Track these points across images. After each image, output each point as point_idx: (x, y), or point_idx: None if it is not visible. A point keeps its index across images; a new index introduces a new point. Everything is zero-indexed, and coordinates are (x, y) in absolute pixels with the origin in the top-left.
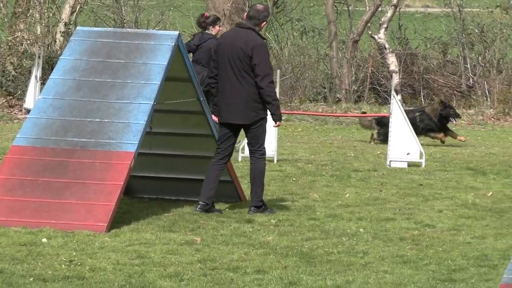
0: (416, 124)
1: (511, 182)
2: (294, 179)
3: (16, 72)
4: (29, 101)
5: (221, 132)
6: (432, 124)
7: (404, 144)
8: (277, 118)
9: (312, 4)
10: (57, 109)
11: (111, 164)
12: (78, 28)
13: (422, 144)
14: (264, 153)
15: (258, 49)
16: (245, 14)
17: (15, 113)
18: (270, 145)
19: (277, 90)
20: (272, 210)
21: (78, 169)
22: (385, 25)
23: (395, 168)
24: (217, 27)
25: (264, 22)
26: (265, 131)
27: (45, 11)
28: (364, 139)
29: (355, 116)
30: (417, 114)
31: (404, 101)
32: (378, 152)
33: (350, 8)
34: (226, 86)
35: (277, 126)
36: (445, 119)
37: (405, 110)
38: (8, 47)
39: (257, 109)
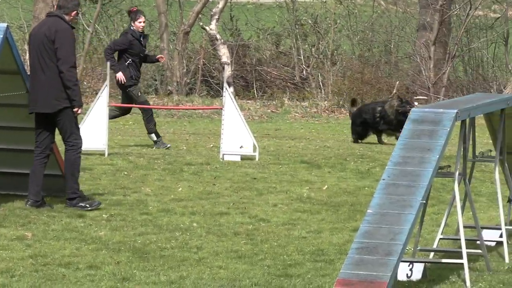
0: (376, 120)
1: (346, 175)
2: (125, 173)
3: None
4: None
5: (36, 125)
6: (389, 121)
7: (237, 137)
8: (77, 103)
9: None
10: None
11: None
12: None
13: (255, 137)
14: (76, 145)
15: (61, 33)
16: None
17: None
18: (101, 139)
19: (107, 83)
20: (93, 203)
21: None
22: (216, 16)
23: (228, 161)
24: (136, 23)
25: (75, 12)
26: (73, 121)
27: None
28: (196, 132)
29: (186, 109)
30: (379, 109)
31: (236, 94)
32: (211, 145)
33: None
34: (33, 75)
35: (78, 113)
36: (404, 116)
37: (368, 104)
38: None
39: (60, 98)
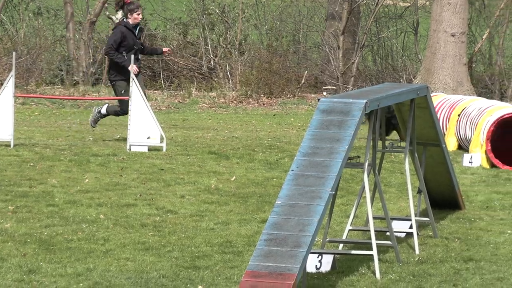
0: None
1: (255, 166)
2: (31, 164)
3: None
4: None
5: None
6: None
7: (144, 128)
8: None
9: None
10: None
11: None
12: None
13: (162, 128)
14: None
15: None
16: None
17: None
18: (7, 129)
19: (13, 73)
20: None
21: None
22: None
23: (136, 152)
24: (135, 15)
25: None
26: None
27: None
28: (102, 122)
29: (93, 100)
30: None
31: (144, 84)
32: (118, 136)
33: None
34: None
35: None
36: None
37: None
38: None
39: None
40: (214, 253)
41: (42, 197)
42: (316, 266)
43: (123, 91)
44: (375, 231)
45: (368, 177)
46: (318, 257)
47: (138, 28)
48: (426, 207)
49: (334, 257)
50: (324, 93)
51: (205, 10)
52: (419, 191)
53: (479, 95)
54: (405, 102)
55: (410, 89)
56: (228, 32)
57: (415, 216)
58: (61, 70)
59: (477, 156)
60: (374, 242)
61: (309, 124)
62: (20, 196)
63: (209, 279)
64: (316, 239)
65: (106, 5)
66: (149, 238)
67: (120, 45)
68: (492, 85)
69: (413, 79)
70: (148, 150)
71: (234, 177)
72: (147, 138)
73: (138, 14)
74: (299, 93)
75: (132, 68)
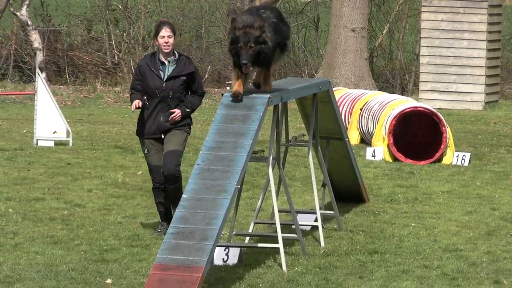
0: None
1: None
2: None
3: None
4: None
5: None
6: None
7: (50, 123)
8: None
9: None
10: None
11: None
12: None
13: (68, 122)
14: None
15: None
16: None
17: None
18: None
19: None
20: None
21: None
22: (27, 2)
23: (42, 147)
24: (158, 39)
25: None
26: None
27: None
28: (9, 117)
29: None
30: None
31: (49, 79)
32: (25, 130)
33: None
34: None
35: None
36: None
37: None
38: None
39: None
40: (122, 246)
41: None
42: (223, 259)
43: (145, 151)
44: (280, 224)
45: (273, 170)
46: (225, 250)
47: (170, 63)
48: (330, 200)
49: (241, 250)
50: (228, 88)
51: (109, 6)
52: (324, 185)
53: (381, 89)
54: (308, 96)
55: (312, 83)
56: (132, 28)
57: (320, 209)
58: None
59: (380, 150)
60: (280, 235)
61: (213, 118)
62: None
63: (117, 272)
64: (222, 233)
65: (10, 1)
66: (58, 231)
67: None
68: (393, 79)
69: (315, 74)
70: (55, 144)
71: (141, 171)
72: (54, 132)
73: (162, 37)
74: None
75: (132, 107)
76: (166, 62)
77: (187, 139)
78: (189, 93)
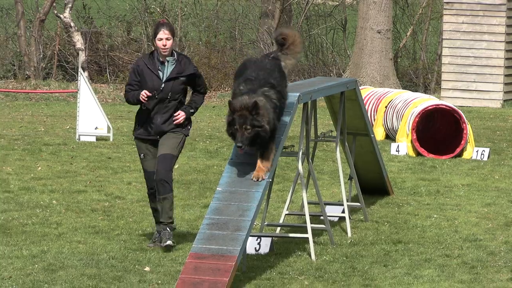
0: None
1: (196, 155)
2: None
3: None
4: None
5: None
6: None
7: (92, 119)
8: None
9: None
10: None
11: None
12: None
13: (109, 119)
14: None
15: None
16: None
17: None
18: None
19: None
20: None
21: None
22: (70, 5)
23: (84, 142)
24: (156, 41)
25: None
26: None
27: None
28: (53, 114)
29: (44, 92)
30: None
31: (91, 78)
32: (68, 126)
33: None
34: None
35: None
36: None
37: None
38: None
39: None
40: None
41: None
42: (255, 248)
43: (141, 155)
44: (310, 215)
45: (302, 165)
46: (257, 240)
47: (170, 63)
48: (357, 192)
49: (272, 240)
50: None
51: (147, 8)
52: (350, 178)
53: (404, 88)
54: (336, 95)
55: (340, 82)
56: None
57: (347, 201)
58: (14, 65)
59: (404, 145)
60: (309, 225)
61: None
62: None
63: (155, 260)
64: (255, 223)
65: (54, 4)
66: (99, 222)
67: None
68: (416, 78)
69: (343, 73)
70: (96, 139)
71: (177, 165)
72: (95, 128)
73: (160, 40)
74: None
75: (142, 97)
76: (166, 62)
77: (184, 141)
78: (192, 92)
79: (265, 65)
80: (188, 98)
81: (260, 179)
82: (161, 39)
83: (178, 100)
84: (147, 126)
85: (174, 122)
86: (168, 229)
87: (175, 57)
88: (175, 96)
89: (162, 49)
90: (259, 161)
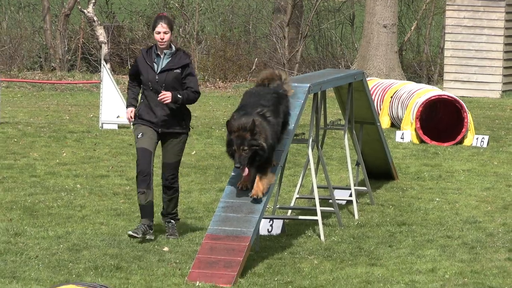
0: None
1: (212, 142)
2: (15, 140)
3: None
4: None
5: None
6: None
7: (114, 108)
8: None
9: None
10: None
11: None
12: None
13: None
14: None
15: None
16: None
17: None
18: None
19: None
20: None
21: None
22: (93, 1)
23: (107, 129)
24: (154, 34)
25: None
26: None
27: None
28: (77, 103)
29: (68, 83)
30: None
31: (113, 69)
32: (91, 115)
33: None
34: None
35: None
36: None
37: None
38: None
39: None
40: None
41: (25, 169)
42: (268, 229)
43: (140, 135)
44: (319, 199)
45: (312, 151)
46: (269, 222)
47: (166, 56)
48: (363, 177)
49: (283, 222)
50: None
51: (166, 4)
52: (357, 164)
53: (409, 79)
54: (344, 85)
55: (348, 74)
56: (187, 24)
57: (354, 185)
58: (40, 57)
59: (408, 133)
60: (318, 208)
61: None
62: (6, 168)
63: (174, 241)
64: (267, 206)
65: (78, 0)
66: (121, 205)
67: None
68: (420, 70)
69: (351, 65)
70: (118, 127)
71: (194, 151)
72: (117, 117)
73: (158, 33)
74: (250, 78)
75: (127, 114)
76: (162, 55)
77: (186, 142)
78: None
79: (259, 92)
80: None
81: (257, 197)
82: (159, 33)
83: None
84: (150, 118)
85: (158, 98)
86: (172, 221)
87: (173, 50)
88: (169, 89)
89: (159, 42)
90: (257, 179)
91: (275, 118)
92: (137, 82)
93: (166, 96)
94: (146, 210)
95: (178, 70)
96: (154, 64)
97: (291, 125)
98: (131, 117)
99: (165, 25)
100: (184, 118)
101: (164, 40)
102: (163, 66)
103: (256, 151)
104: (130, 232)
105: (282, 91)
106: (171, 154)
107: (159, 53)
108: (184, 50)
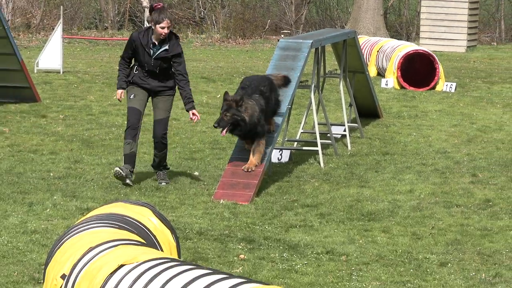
0: None
1: (234, 87)
2: (75, 85)
3: None
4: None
5: None
6: None
7: None
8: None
9: None
10: None
11: None
12: None
13: None
14: None
15: None
16: None
17: None
18: (57, 61)
19: (61, 21)
20: None
21: None
22: None
23: None
24: (157, 27)
25: None
26: None
27: None
28: None
29: (118, 40)
30: None
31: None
32: None
33: None
34: None
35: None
36: None
37: None
38: None
39: None
40: (205, 148)
41: (83, 109)
42: (278, 158)
43: (132, 96)
44: (319, 133)
45: (314, 95)
46: (279, 152)
47: (162, 46)
48: (355, 116)
49: (291, 152)
50: (282, 36)
51: None
52: (350, 105)
53: (392, 37)
54: (340, 42)
55: (343, 33)
56: None
57: (348, 122)
58: (95, 19)
59: (391, 80)
60: (319, 141)
61: (271, 57)
62: (68, 108)
63: (202, 167)
64: (277, 139)
65: None
66: None
67: (133, 56)
68: (401, 30)
69: (345, 26)
70: None
71: (219, 95)
72: None
73: (162, 28)
74: (264, 36)
75: (117, 95)
76: (157, 44)
77: (173, 101)
78: (176, 72)
79: (257, 79)
80: (182, 99)
81: (250, 170)
82: (163, 28)
83: (167, 71)
84: (143, 85)
85: (194, 121)
86: (163, 170)
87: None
88: (163, 70)
89: (161, 35)
90: (250, 155)
91: (267, 103)
92: (130, 61)
93: (197, 118)
94: (130, 159)
95: (170, 57)
96: (151, 50)
97: (298, 73)
98: (120, 97)
99: (168, 21)
100: (171, 84)
101: (165, 33)
102: (158, 53)
103: (238, 121)
104: (117, 168)
105: (274, 80)
106: (162, 110)
107: (155, 41)
108: (175, 34)
